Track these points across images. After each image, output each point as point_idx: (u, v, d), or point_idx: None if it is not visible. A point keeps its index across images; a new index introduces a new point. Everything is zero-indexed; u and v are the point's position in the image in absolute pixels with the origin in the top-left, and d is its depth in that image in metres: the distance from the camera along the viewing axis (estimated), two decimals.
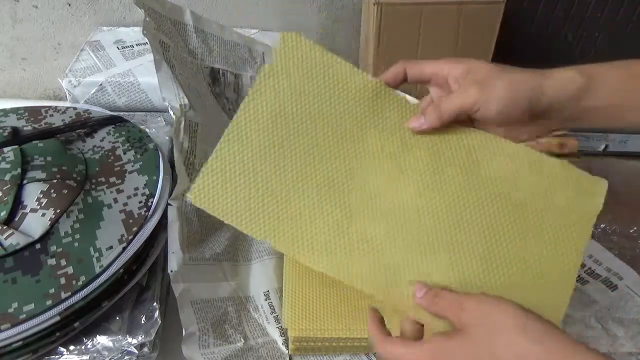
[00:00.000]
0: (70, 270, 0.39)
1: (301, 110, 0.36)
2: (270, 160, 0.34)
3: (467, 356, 0.28)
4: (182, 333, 0.42)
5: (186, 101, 0.50)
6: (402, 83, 0.38)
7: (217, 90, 0.62)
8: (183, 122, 0.49)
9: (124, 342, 0.40)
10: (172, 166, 0.51)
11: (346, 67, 0.37)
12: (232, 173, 0.34)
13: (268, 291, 0.49)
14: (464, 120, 0.36)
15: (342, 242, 0.34)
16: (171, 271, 0.44)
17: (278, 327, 0.46)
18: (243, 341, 0.45)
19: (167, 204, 0.46)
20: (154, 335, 0.41)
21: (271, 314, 0.48)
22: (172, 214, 0.46)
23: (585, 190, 0.36)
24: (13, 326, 0.36)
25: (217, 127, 0.55)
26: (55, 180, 0.44)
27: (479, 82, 0.34)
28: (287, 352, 0.45)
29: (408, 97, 0.40)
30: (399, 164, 0.36)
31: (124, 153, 0.51)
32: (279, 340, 0.46)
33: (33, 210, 0.42)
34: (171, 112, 0.49)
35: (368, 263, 0.33)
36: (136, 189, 0.47)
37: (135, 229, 0.43)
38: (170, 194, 0.48)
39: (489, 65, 0.35)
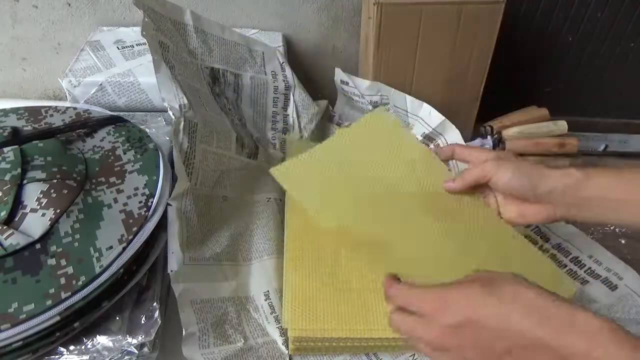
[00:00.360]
0: (70, 270, 0.39)
1: (369, 150, 0.54)
2: (334, 174, 0.51)
3: (476, 295, 0.31)
4: (182, 333, 0.42)
5: (185, 101, 0.50)
6: (450, 159, 0.52)
7: (217, 90, 0.62)
8: (182, 123, 0.50)
9: (124, 342, 0.40)
10: (172, 166, 0.51)
11: (411, 136, 0.57)
12: (307, 168, 0.52)
13: (268, 291, 0.49)
14: (483, 186, 0.48)
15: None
16: (171, 271, 0.44)
17: (278, 327, 0.46)
18: (243, 341, 0.45)
19: (167, 204, 0.46)
20: (154, 335, 0.41)
21: (271, 314, 0.47)
22: (172, 214, 0.46)
23: (557, 283, 0.45)
24: (13, 326, 0.36)
25: (216, 127, 0.55)
26: (55, 180, 0.44)
27: (497, 161, 0.45)
28: (287, 352, 0.45)
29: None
30: (428, 204, 0.49)
31: (124, 153, 0.51)
32: (279, 341, 0.46)
33: (33, 210, 0.42)
34: (170, 113, 0.49)
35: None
36: (136, 189, 0.47)
37: (135, 229, 0.43)
38: (170, 194, 0.48)
39: (514, 155, 0.47)
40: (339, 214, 0.48)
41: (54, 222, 0.42)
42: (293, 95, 0.67)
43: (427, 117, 0.64)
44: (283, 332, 0.46)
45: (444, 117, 0.62)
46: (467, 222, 0.48)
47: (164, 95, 0.49)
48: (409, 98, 0.65)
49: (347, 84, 0.69)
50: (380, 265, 0.43)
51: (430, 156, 0.53)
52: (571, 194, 0.42)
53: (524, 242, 0.48)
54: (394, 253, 0.45)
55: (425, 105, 0.64)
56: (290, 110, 0.67)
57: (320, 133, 0.71)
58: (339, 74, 0.70)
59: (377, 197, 0.50)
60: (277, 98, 0.67)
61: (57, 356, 0.39)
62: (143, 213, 0.44)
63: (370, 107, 0.69)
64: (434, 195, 0.50)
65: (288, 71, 0.66)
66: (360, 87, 0.67)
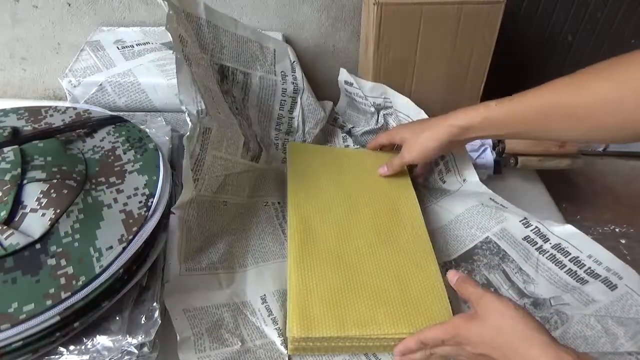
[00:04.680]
0: (70, 270, 0.39)
1: (369, 169, 0.63)
2: (329, 176, 0.61)
3: (479, 335, 0.39)
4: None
5: (203, 106, 0.48)
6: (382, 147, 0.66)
7: (224, 87, 0.61)
8: (198, 129, 0.48)
9: (124, 342, 0.40)
10: (172, 166, 0.51)
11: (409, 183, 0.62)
12: (314, 157, 0.64)
13: (265, 295, 0.49)
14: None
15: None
16: (167, 281, 0.45)
17: (276, 329, 0.46)
18: (240, 344, 0.45)
19: (170, 213, 0.46)
20: (154, 335, 0.41)
21: (268, 316, 0.47)
22: (174, 223, 0.46)
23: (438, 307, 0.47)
24: (13, 326, 0.36)
25: (227, 132, 0.54)
26: (55, 180, 0.44)
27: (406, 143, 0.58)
28: (286, 352, 0.45)
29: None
30: (380, 229, 0.55)
31: (124, 153, 0.51)
32: (278, 341, 0.46)
33: (33, 210, 0.42)
34: (188, 119, 0.47)
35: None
36: (136, 189, 0.47)
37: (135, 229, 0.43)
38: (170, 197, 0.48)
39: (412, 126, 0.60)
40: (310, 210, 0.55)
41: (54, 222, 0.42)
42: (301, 99, 0.66)
43: None
44: (281, 333, 0.46)
45: None
46: (401, 250, 0.52)
47: (182, 97, 0.47)
48: (411, 104, 0.65)
49: (351, 84, 0.69)
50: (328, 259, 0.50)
51: (413, 199, 0.59)
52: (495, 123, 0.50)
53: (437, 278, 0.49)
54: (339, 256, 0.50)
55: (423, 114, 0.64)
56: (297, 113, 0.67)
57: (323, 135, 0.71)
58: (344, 75, 0.70)
59: (347, 207, 0.56)
60: (284, 101, 0.66)
61: (57, 356, 0.39)
62: (143, 213, 0.44)
63: (372, 109, 0.69)
64: (388, 223, 0.55)
65: (298, 72, 0.65)
66: (364, 88, 0.67)
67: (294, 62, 0.65)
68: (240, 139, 0.57)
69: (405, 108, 0.65)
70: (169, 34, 0.47)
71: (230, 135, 0.55)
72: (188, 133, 0.47)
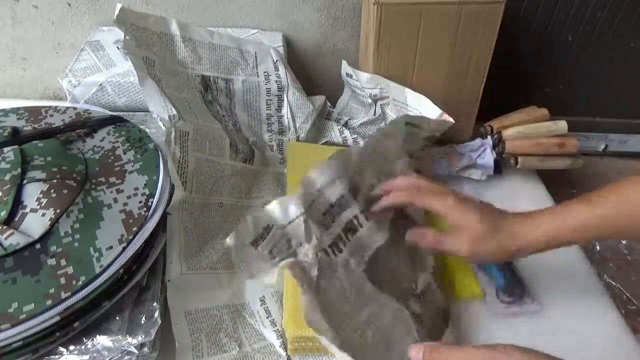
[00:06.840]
0: (70, 270, 0.39)
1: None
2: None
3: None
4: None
5: (174, 112, 0.50)
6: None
7: (209, 97, 0.61)
8: (173, 133, 0.50)
9: (124, 342, 0.40)
10: None
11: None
12: (312, 156, 0.64)
13: (264, 296, 0.49)
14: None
15: None
16: (168, 281, 0.45)
17: (275, 331, 0.46)
18: (238, 349, 0.45)
19: (166, 214, 0.46)
20: (154, 335, 0.41)
21: (267, 318, 0.47)
22: (170, 224, 0.46)
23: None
24: (13, 326, 0.36)
25: (209, 134, 0.55)
26: (55, 180, 0.44)
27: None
28: (285, 354, 0.45)
29: None
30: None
31: (124, 153, 0.51)
32: (276, 344, 0.46)
33: (33, 210, 0.42)
34: (161, 124, 0.49)
35: None
36: (136, 189, 0.47)
37: (135, 228, 0.43)
38: (170, 197, 0.48)
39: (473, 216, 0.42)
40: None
41: (54, 222, 0.42)
42: (287, 96, 0.67)
43: (425, 110, 0.63)
44: (280, 335, 0.46)
45: (441, 111, 0.61)
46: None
47: (152, 108, 0.50)
48: (408, 91, 0.65)
49: (351, 76, 0.69)
50: None
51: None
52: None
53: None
54: None
55: (424, 99, 0.63)
56: (285, 111, 0.67)
57: (318, 131, 0.71)
58: (345, 67, 0.70)
59: None
60: (270, 100, 0.66)
61: (57, 356, 0.39)
62: (143, 213, 0.44)
63: (369, 101, 0.69)
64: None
65: (282, 70, 0.66)
66: (361, 79, 0.67)
67: (277, 61, 0.65)
68: (224, 140, 0.57)
69: (402, 97, 0.65)
70: (129, 57, 0.50)
71: (213, 137, 0.56)
72: (165, 138, 0.49)
